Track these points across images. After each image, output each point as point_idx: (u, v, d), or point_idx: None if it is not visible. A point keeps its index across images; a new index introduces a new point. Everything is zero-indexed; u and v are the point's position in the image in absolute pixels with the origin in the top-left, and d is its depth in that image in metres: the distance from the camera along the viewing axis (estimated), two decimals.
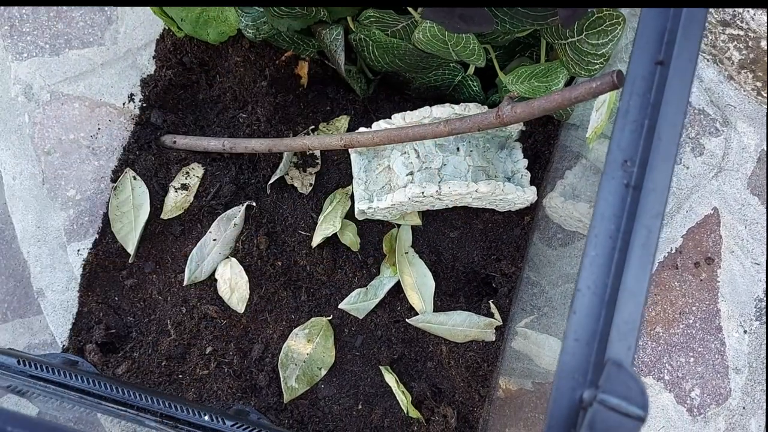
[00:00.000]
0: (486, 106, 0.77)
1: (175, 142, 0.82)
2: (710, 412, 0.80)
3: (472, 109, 0.75)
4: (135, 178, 0.81)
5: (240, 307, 0.79)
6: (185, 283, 0.79)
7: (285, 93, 0.84)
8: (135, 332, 0.80)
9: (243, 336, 0.80)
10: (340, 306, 0.80)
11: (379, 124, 0.76)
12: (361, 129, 0.77)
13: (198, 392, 0.78)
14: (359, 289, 0.80)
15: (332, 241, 0.81)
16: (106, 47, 0.86)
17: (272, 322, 0.80)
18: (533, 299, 0.83)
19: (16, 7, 0.85)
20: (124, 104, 0.84)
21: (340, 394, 0.79)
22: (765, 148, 0.82)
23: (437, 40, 0.68)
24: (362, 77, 0.83)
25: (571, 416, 0.38)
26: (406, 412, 0.78)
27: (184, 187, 0.81)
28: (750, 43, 0.79)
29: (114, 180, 0.82)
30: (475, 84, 0.78)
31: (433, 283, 0.80)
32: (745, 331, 0.81)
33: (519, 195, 0.76)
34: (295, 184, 0.82)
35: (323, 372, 0.79)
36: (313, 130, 0.84)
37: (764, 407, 0.79)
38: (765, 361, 0.80)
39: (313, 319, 0.80)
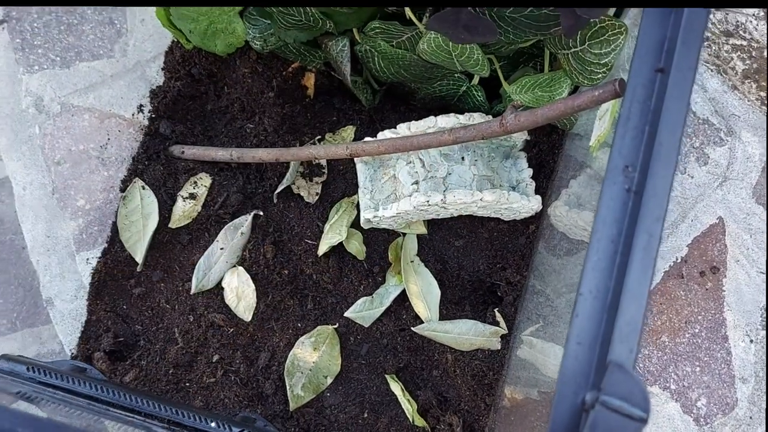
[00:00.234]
0: (490, 116, 0.78)
1: (183, 152, 0.83)
2: (717, 422, 0.79)
3: (477, 118, 0.76)
4: (144, 188, 0.82)
5: (247, 315, 0.80)
6: (193, 291, 0.80)
7: (292, 103, 0.85)
8: (143, 340, 0.81)
9: (249, 344, 0.80)
10: (346, 314, 0.80)
11: (385, 134, 0.77)
12: (367, 138, 0.78)
13: (205, 400, 0.78)
14: (365, 298, 0.81)
15: (338, 249, 0.82)
16: (116, 60, 0.87)
17: (278, 330, 0.80)
18: (538, 308, 0.84)
19: (27, 21, 0.87)
20: (133, 115, 0.86)
21: (346, 402, 0.80)
22: (765, 157, 0.83)
23: (442, 51, 0.69)
24: (368, 88, 0.84)
25: (573, 419, 0.38)
26: (411, 420, 0.78)
27: (192, 196, 0.82)
28: (753, 53, 0.80)
29: (123, 190, 0.83)
30: (479, 94, 0.79)
31: (438, 292, 0.80)
32: (752, 341, 0.81)
33: (524, 204, 0.77)
34: (302, 194, 0.83)
35: (329, 380, 0.79)
36: (319, 140, 0.85)
37: None
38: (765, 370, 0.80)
39: (319, 327, 0.80)
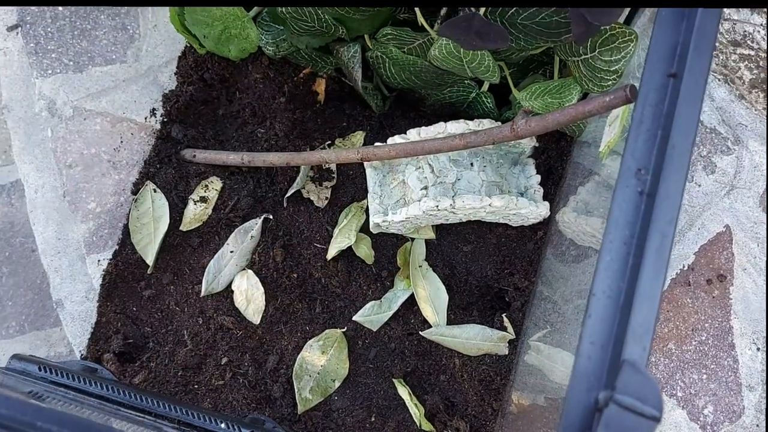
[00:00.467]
0: (500, 123, 0.78)
1: (194, 155, 0.84)
2: (723, 430, 0.80)
3: (486, 125, 0.77)
4: (155, 191, 0.83)
5: (256, 318, 0.80)
6: (202, 294, 0.81)
7: (303, 109, 0.86)
8: (152, 342, 0.81)
9: (258, 347, 0.81)
10: (354, 318, 0.81)
11: (395, 140, 0.78)
12: (377, 143, 0.78)
13: (213, 402, 0.78)
14: (373, 302, 0.81)
15: (347, 254, 0.82)
16: (129, 64, 0.88)
17: (287, 333, 0.80)
18: (546, 314, 0.84)
19: (41, 26, 0.88)
20: (145, 119, 0.86)
21: (353, 406, 0.80)
22: (765, 164, 0.83)
23: (453, 57, 0.70)
24: (378, 94, 0.85)
25: (586, 418, 0.38)
26: (419, 425, 0.79)
27: (203, 199, 0.83)
28: (761, 63, 0.81)
29: (134, 193, 0.84)
30: (489, 101, 0.80)
31: (446, 297, 0.81)
32: (758, 349, 0.81)
33: (532, 210, 0.77)
34: (312, 198, 0.84)
35: (337, 384, 0.80)
36: (329, 146, 0.86)
37: None
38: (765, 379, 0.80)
39: (327, 331, 0.80)
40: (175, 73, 0.87)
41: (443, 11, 0.70)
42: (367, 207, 0.82)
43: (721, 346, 0.81)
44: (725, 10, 0.82)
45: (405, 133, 0.79)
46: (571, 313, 0.84)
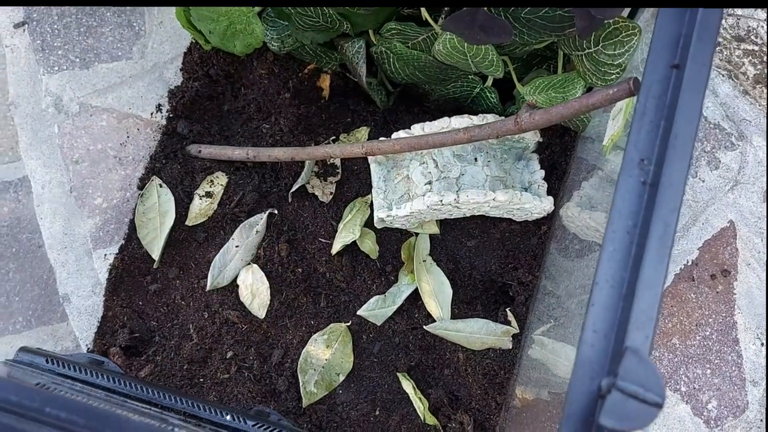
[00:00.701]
0: (503, 117, 0.79)
1: (200, 151, 0.84)
2: (727, 424, 0.80)
3: (490, 119, 0.77)
4: (161, 186, 0.83)
5: (261, 312, 0.80)
6: (208, 288, 0.81)
7: (307, 104, 0.86)
8: (158, 336, 0.82)
9: (263, 341, 0.81)
10: (359, 312, 0.81)
11: (399, 134, 0.78)
12: (382, 138, 0.79)
13: (219, 396, 0.79)
14: (377, 296, 0.81)
15: (351, 248, 0.83)
16: (134, 61, 0.89)
17: (292, 327, 0.81)
18: (550, 308, 0.84)
19: (48, 23, 0.89)
20: (151, 115, 0.87)
21: (357, 399, 0.80)
22: (765, 159, 0.83)
23: (457, 52, 0.70)
24: (382, 89, 0.85)
25: (589, 405, 0.39)
26: (423, 418, 0.79)
27: (209, 194, 0.83)
28: (765, 58, 0.81)
29: (140, 188, 0.85)
30: (493, 95, 0.80)
31: (450, 291, 0.81)
32: (762, 344, 0.81)
33: (536, 204, 0.77)
34: (316, 193, 0.84)
35: (341, 378, 0.80)
36: (334, 141, 0.86)
37: None
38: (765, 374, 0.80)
39: (332, 325, 0.81)
40: (181, 69, 0.88)
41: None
42: (372, 202, 0.83)
43: (725, 341, 0.81)
44: None
45: (409, 129, 0.79)
46: (574, 308, 0.84)
